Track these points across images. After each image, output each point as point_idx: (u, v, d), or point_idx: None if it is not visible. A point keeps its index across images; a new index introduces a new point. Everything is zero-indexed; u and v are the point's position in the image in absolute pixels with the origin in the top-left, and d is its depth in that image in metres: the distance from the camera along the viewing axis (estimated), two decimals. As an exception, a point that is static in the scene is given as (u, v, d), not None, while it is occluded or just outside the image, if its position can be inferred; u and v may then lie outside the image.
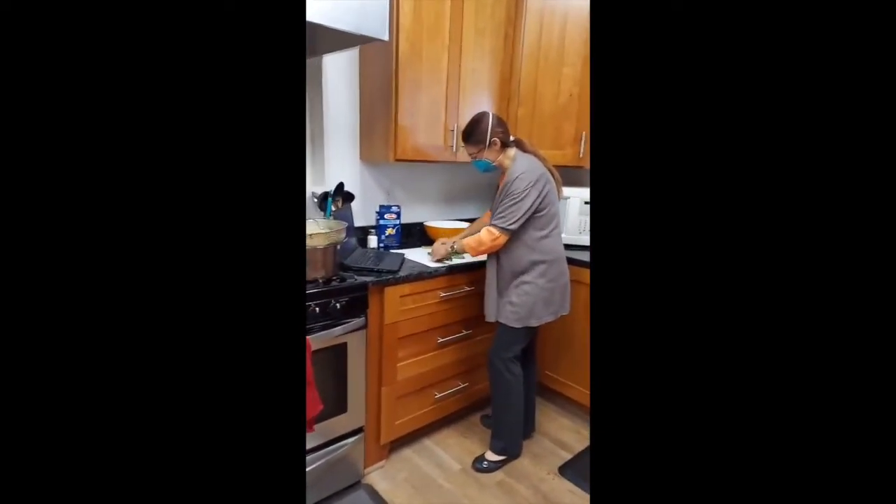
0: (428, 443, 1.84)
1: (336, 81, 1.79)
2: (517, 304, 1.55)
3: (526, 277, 1.54)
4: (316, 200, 1.75)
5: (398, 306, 1.56)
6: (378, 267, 1.55)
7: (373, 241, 1.94)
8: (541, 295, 1.55)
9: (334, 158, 1.85)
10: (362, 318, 1.43)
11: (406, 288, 1.57)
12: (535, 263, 1.54)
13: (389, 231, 1.97)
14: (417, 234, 2.15)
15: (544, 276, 1.55)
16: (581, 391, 1.97)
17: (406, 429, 1.72)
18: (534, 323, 1.57)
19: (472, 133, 1.53)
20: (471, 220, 2.25)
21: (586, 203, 2.07)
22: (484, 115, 1.52)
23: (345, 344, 1.41)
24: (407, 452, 1.77)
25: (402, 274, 1.55)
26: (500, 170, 1.60)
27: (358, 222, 1.95)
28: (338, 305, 1.37)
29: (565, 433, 1.94)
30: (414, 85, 1.71)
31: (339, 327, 1.37)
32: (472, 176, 2.35)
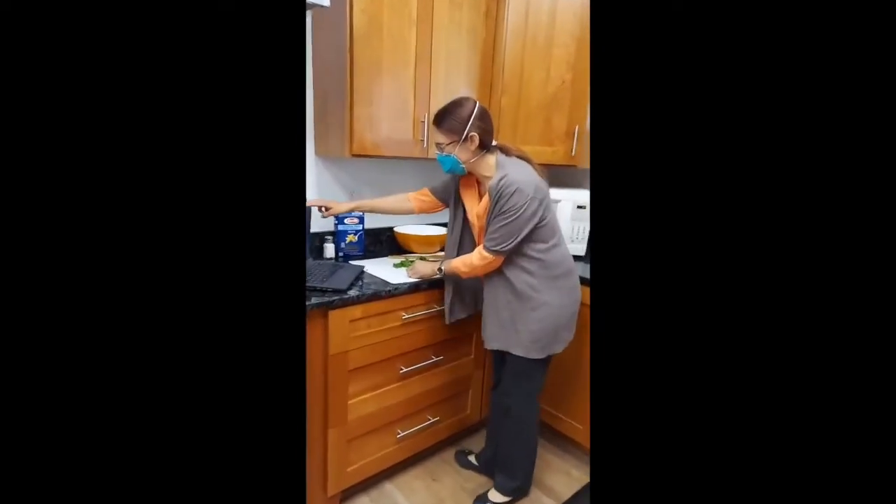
0: (389, 487, 1.57)
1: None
2: (537, 330, 1.26)
3: (543, 297, 1.25)
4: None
5: (347, 332, 1.29)
6: (322, 285, 1.27)
7: (329, 249, 1.67)
8: (562, 314, 1.28)
9: (283, 153, 1.58)
10: (297, 351, 1.16)
11: (357, 310, 1.30)
12: (548, 279, 1.26)
13: (350, 238, 1.70)
14: (387, 242, 1.88)
15: (561, 291, 1.28)
16: (573, 425, 1.70)
17: (360, 475, 1.45)
18: (558, 349, 1.31)
19: (448, 116, 1.22)
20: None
21: (580, 207, 1.80)
22: (467, 101, 1.23)
23: (274, 383, 1.14)
24: (362, 500, 1.50)
25: (351, 294, 1.28)
26: (471, 175, 1.33)
27: (314, 227, 1.68)
28: (264, 336, 1.10)
29: (552, 476, 1.67)
30: (374, 67, 1.43)
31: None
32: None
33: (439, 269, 1.39)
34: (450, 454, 1.74)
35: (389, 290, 1.35)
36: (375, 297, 1.32)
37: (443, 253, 1.81)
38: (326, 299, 1.22)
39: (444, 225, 1.95)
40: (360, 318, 1.31)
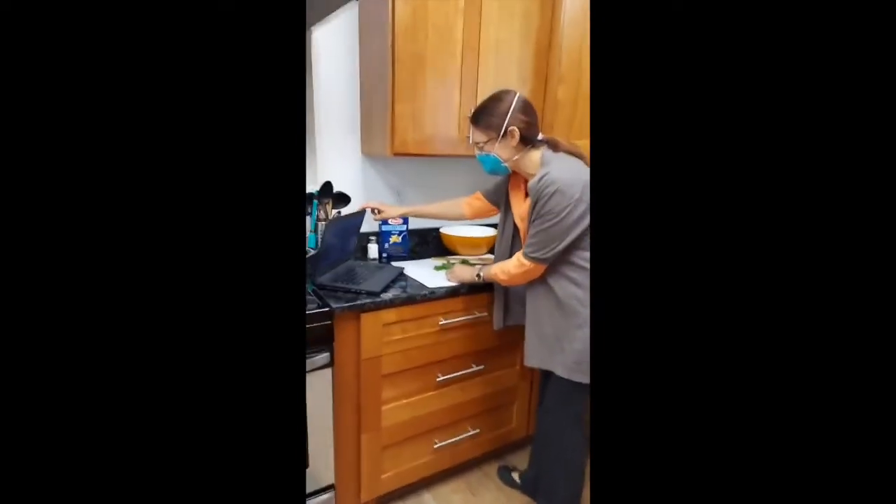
0: (427, 497, 1.51)
1: (330, 60, 1.51)
2: (582, 350, 1.10)
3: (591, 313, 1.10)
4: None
5: (381, 336, 1.25)
6: (357, 287, 1.24)
7: (373, 250, 1.65)
8: None
9: (329, 152, 1.58)
10: (326, 354, 1.14)
11: (391, 314, 1.25)
12: None
13: (394, 238, 1.66)
14: (434, 243, 1.82)
15: None
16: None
17: (395, 483, 1.41)
18: None
19: (485, 112, 1.14)
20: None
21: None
22: (507, 94, 1.13)
23: (303, 385, 1.12)
24: (398, 510, 1.46)
25: (384, 297, 1.23)
26: (517, 174, 1.22)
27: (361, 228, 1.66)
28: (294, 337, 1.09)
29: None
30: (417, 60, 1.38)
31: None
32: (504, 173, 1.97)
33: (478, 275, 1.31)
34: (492, 468, 1.64)
35: (425, 294, 1.29)
36: (410, 300, 1.27)
37: (489, 256, 1.72)
38: (358, 302, 1.18)
39: (493, 226, 1.85)
40: (395, 323, 1.26)
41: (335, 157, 1.60)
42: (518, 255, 1.15)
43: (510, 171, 1.21)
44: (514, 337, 1.51)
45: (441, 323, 1.34)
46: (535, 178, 1.08)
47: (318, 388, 1.15)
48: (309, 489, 1.20)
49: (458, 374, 1.42)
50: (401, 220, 1.66)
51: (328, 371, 1.15)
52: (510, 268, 1.17)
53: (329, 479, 1.23)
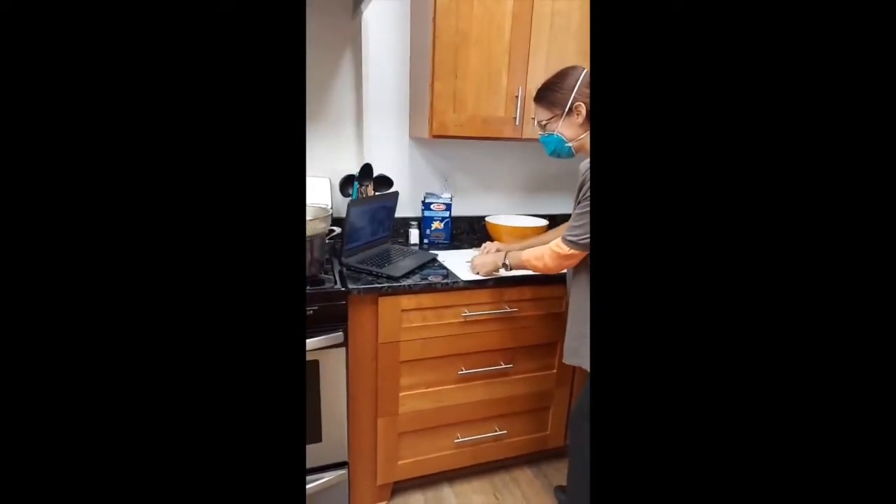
0: (447, 492, 1.47)
1: (381, 42, 1.50)
2: None
3: None
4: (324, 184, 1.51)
5: (398, 322, 1.23)
6: (379, 270, 1.23)
7: (414, 235, 1.63)
8: None
9: (377, 135, 1.58)
10: (340, 333, 1.14)
11: (410, 300, 1.22)
12: None
13: (436, 225, 1.62)
14: (480, 232, 1.75)
15: None
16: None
17: (413, 472, 1.39)
18: None
19: (550, 89, 1.05)
20: (550, 217, 1.74)
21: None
22: (574, 69, 1.04)
23: (316, 362, 1.15)
24: (416, 498, 1.44)
25: (404, 282, 1.20)
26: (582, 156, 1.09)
27: (405, 213, 1.66)
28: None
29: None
30: (459, 36, 1.31)
31: (308, 341, 1.11)
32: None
33: (505, 265, 1.21)
34: (522, 474, 1.55)
35: (445, 283, 1.23)
36: (430, 288, 1.22)
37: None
38: (375, 285, 1.17)
39: (543, 216, 1.72)
40: (414, 310, 1.23)
41: (383, 139, 1.60)
42: (557, 241, 1.04)
43: (573, 152, 1.09)
44: (550, 339, 1.39)
45: (464, 315, 1.28)
46: (587, 159, 0.98)
47: (335, 366, 1.17)
48: (323, 463, 1.23)
49: (483, 369, 1.35)
50: (444, 206, 1.61)
51: (343, 350, 1.16)
52: (545, 254, 1.06)
53: (343, 456, 1.25)
